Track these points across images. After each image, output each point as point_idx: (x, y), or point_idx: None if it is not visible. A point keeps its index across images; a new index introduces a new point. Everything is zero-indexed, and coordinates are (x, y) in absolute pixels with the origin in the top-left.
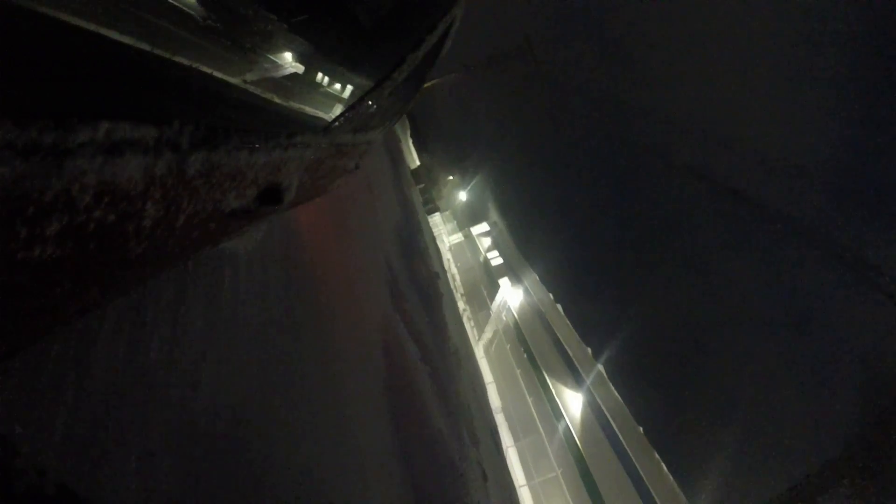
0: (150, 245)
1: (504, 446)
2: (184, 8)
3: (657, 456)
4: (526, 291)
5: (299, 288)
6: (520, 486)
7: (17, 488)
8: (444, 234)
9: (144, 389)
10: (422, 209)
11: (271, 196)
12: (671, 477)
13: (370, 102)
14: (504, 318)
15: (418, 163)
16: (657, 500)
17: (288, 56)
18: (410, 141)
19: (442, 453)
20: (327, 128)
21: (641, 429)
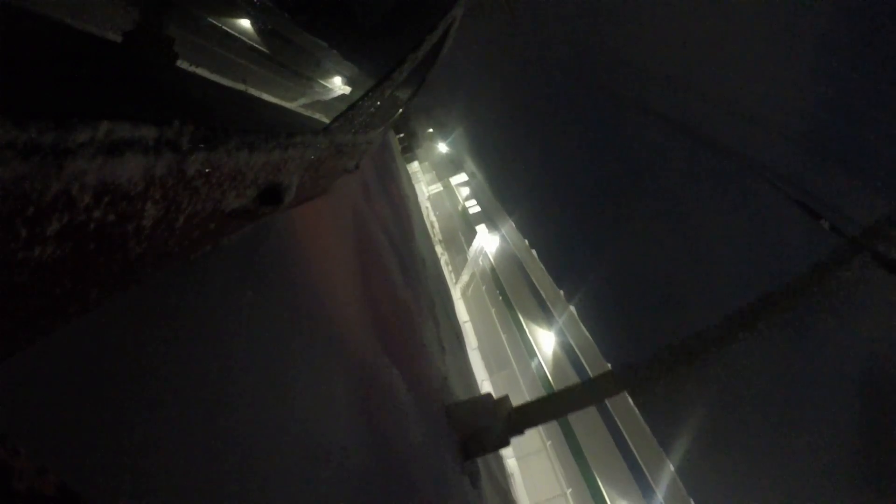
0: (150, 245)
1: (479, 380)
2: (250, 42)
3: (626, 393)
4: (503, 238)
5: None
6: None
7: (17, 488)
8: (423, 183)
9: (145, 389)
10: (399, 155)
11: (271, 196)
12: (636, 409)
13: (370, 102)
14: (481, 263)
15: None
16: (620, 427)
17: (337, 80)
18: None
19: (407, 321)
20: (327, 128)
21: (609, 365)
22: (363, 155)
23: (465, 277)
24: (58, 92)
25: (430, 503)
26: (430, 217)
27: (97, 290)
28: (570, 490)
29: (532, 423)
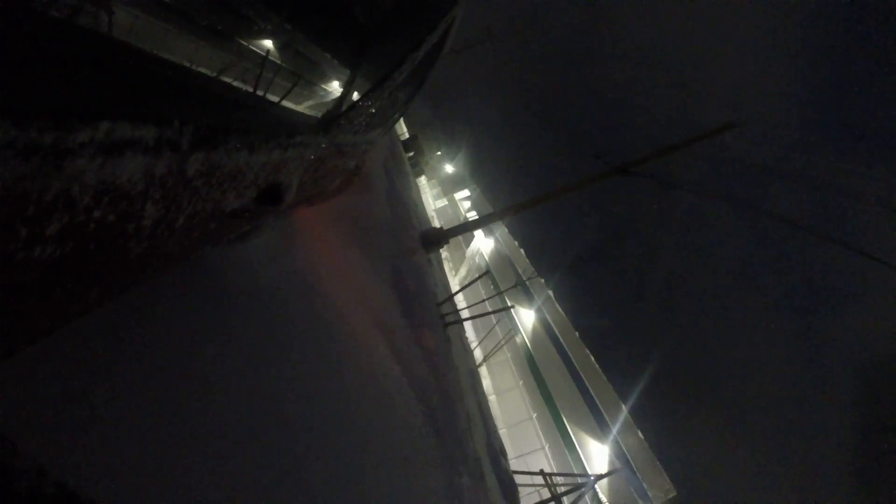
0: (150, 245)
1: (472, 343)
2: (270, 58)
3: (588, 351)
4: (496, 240)
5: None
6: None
7: (17, 488)
8: (430, 197)
9: (145, 389)
10: (411, 169)
11: (271, 196)
12: (601, 371)
13: (370, 102)
14: (476, 261)
15: (408, 135)
16: (588, 387)
17: (336, 84)
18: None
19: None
20: (327, 128)
21: (577, 333)
22: (363, 155)
23: (462, 272)
24: (58, 92)
25: None
26: (436, 224)
27: (97, 290)
28: (535, 414)
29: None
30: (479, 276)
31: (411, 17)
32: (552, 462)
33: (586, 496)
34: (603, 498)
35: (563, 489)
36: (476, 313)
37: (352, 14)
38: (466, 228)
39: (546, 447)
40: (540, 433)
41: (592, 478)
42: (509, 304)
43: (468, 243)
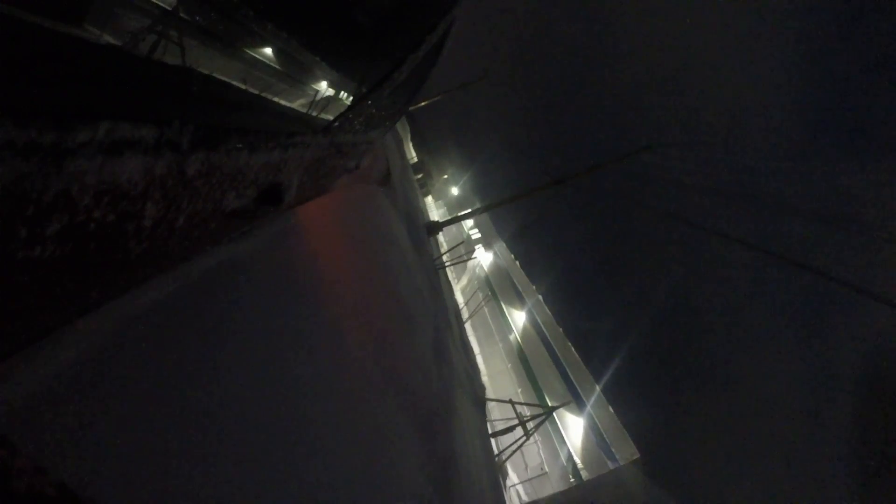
0: (150, 245)
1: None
2: (269, 63)
3: (570, 344)
4: (495, 254)
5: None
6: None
7: (17, 488)
8: (437, 216)
9: (146, 389)
10: (419, 190)
11: (271, 196)
12: (579, 358)
13: (370, 102)
14: (477, 272)
15: (416, 159)
16: (571, 376)
17: (324, 84)
18: (411, 143)
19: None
20: (327, 128)
21: (561, 329)
22: (363, 155)
23: (463, 281)
24: (58, 92)
25: None
26: (440, 239)
27: (97, 290)
28: (519, 390)
29: None
30: (465, 215)
31: (411, 17)
32: (538, 437)
33: (547, 424)
34: (559, 425)
35: (530, 424)
36: (479, 327)
37: (352, 16)
38: (458, 220)
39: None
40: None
41: (552, 406)
42: (503, 307)
43: (469, 255)
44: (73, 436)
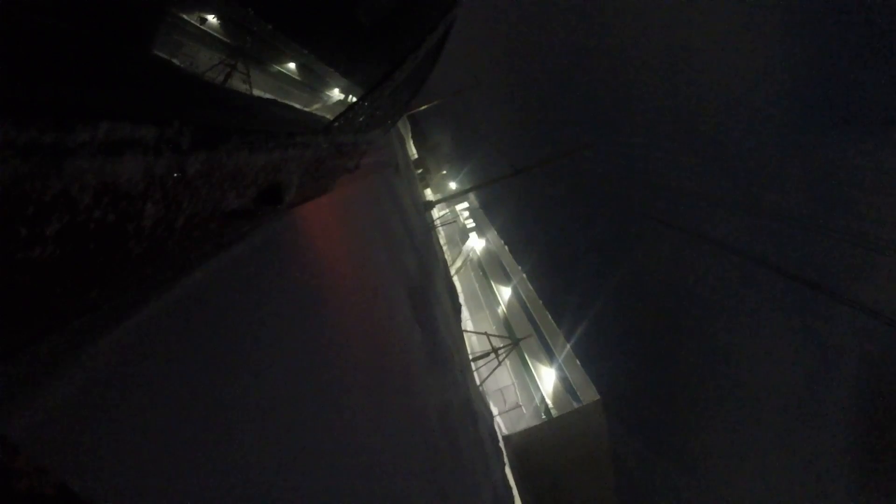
0: (150, 245)
1: (464, 319)
2: (291, 75)
3: (549, 316)
4: (487, 241)
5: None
6: (467, 334)
7: (17, 488)
8: (434, 209)
9: (146, 390)
10: (420, 182)
11: (272, 196)
12: (560, 332)
13: (370, 102)
14: (470, 256)
15: (417, 156)
16: (550, 343)
17: (336, 90)
18: (411, 142)
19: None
20: (327, 128)
21: (541, 301)
22: (363, 155)
23: (458, 263)
24: (58, 92)
25: None
26: (437, 227)
27: (97, 290)
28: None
29: None
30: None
31: (411, 17)
32: (515, 381)
33: (514, 352)
34: (525, 355)
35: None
36: (469, 300)
37: (354, 16)
38: (446, 200)
39: (509, 367)
40: (509, 367)
41: (518, 338)
42: (493, 285)
43: (464, 241)
44: (73, 436)
